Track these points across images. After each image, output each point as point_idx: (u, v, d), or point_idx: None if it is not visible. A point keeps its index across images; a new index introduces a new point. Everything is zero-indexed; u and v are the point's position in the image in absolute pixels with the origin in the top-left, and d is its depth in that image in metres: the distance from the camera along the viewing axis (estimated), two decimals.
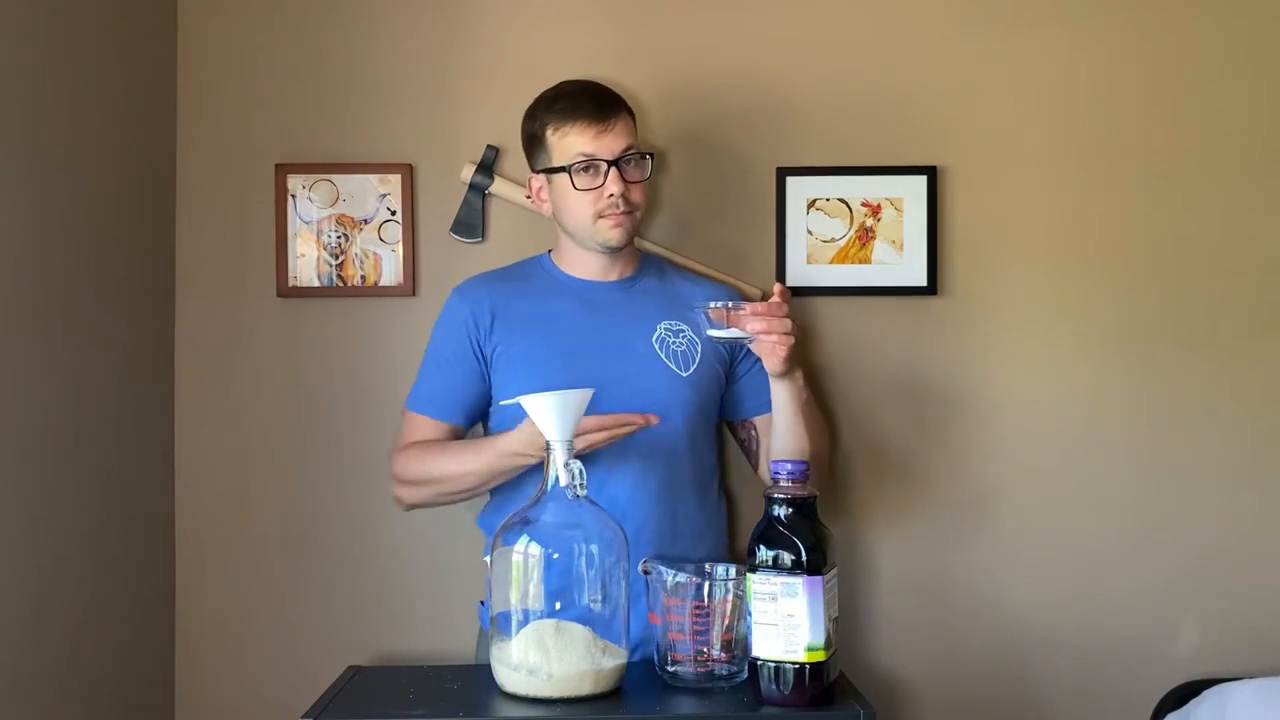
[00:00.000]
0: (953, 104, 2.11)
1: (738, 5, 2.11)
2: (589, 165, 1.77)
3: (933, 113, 2.11)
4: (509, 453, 1.70)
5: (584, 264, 1.87)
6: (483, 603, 1.92)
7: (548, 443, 1.52)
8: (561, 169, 1.78)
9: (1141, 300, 2.10)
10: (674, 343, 1.83)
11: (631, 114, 1.84)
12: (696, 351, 1.85)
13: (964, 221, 2.10)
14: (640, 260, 1.93)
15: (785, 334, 1.67)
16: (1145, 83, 2.11)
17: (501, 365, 1.83)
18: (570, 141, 1.78)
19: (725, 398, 1.91)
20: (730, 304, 1.69)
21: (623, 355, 1.81)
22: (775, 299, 1.70)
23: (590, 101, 1.79)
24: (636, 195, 1.81)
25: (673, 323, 1.85)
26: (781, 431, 1.79)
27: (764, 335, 1.67)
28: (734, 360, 1.89)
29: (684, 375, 1.82)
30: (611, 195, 1.77)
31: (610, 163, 1.77)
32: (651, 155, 1.84)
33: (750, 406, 1.91)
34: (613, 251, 1.84)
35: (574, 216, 1.81)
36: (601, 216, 1.79)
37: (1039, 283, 2.10)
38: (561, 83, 1.86)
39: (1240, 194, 2.10)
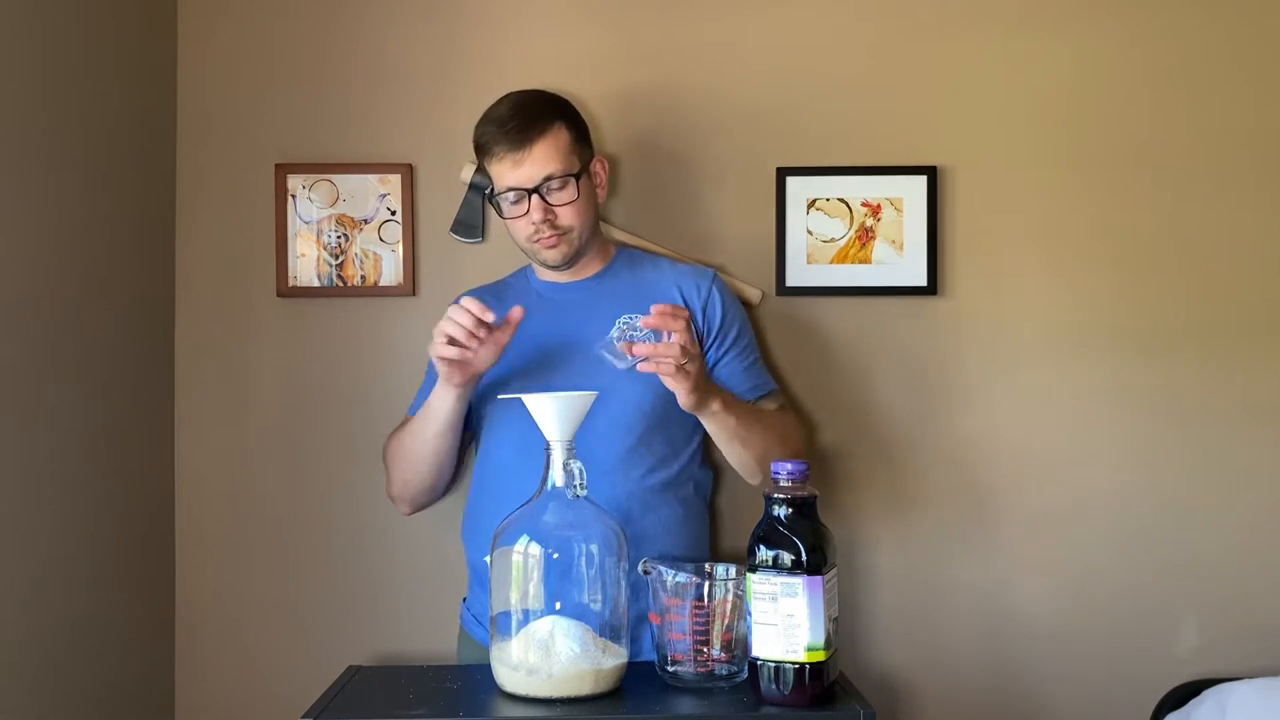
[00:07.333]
0: (953, 104, 2.11)
1: (738, 6, 2.11)
2: (513, 194, 1.77)
3: (933, 113, 2.11)
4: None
5: (550, 269, 1.88)
6: (465, 599, 1.93)
7: (547, 443, 1.52)
8: (495, 196, 1.80)
9: (1141, 300, 2.10)
10: (631, 336, 1.79)
11: (568, 124, 1.79)
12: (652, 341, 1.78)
13: (964, 221, 2.10)
14: (613, 254, 1.93)
15: (670, 358, 1.58)
16: (1145, 84, 2.11)
17: None
18: (495, 171, 1.78)
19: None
20: (629, 336, 1.59)
21: (576, 354, 1.78)
22: (657, 316, 1.59)
23: (507, 129, 1.75)
24: (567, 218, 1.78)
25: (632, 316, 1.81)
26: (721, 447, 1.80)
27: (648, 364, 1.59)
28: (704, 347, 1.84)
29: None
30: (534, 223, 1.77)
31: (531, 191, 1.76)
32: (577, 176, 1.78)
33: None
34: (556, 268, 1.85)
35: (515, 238, 1.84)
36: (534, 240, 1.80)
37: (1038, 282, 2.11)
38: (501, 98, 1.81)
39: (1241, 194, 2.10)
